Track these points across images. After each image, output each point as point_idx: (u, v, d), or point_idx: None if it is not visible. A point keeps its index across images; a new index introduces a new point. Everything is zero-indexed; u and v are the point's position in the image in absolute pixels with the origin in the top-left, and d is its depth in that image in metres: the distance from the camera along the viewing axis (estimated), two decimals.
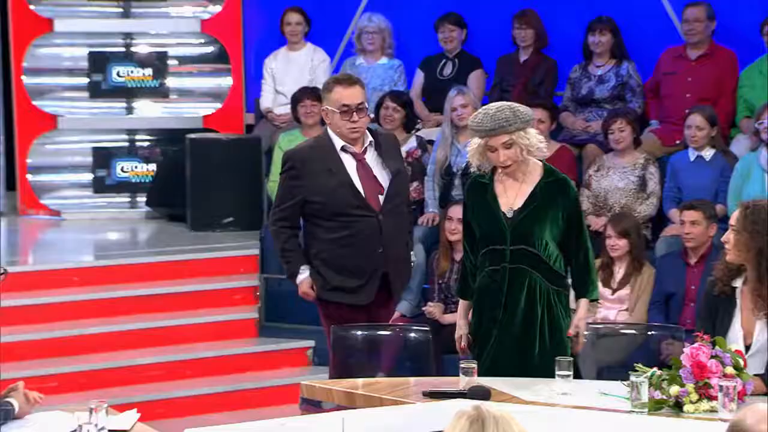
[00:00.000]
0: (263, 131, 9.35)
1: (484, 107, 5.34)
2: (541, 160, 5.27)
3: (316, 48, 9.50)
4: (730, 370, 4.46)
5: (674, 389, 4.46)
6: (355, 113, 5.84)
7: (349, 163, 5.93)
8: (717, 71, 8.42)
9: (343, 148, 5.93)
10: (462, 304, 5.48)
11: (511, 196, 5.21)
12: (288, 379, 7.64)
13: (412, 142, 8.55)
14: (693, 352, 4.46)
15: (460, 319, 5.48)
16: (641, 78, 8.62)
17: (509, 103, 5.33)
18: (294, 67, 9.42)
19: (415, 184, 8.41)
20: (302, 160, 5.90)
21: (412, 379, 5.29)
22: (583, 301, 5.31)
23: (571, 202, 5.24)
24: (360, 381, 5.19)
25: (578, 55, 8.82)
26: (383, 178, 5.97)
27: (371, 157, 5.98)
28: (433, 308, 7.66)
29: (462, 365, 4.90)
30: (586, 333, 5.36)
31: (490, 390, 4.77)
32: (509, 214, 5.20)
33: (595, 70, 8.70)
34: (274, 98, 9.44)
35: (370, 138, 5.99)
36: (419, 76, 9.26)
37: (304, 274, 6.01)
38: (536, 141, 5.16)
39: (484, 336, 5.28)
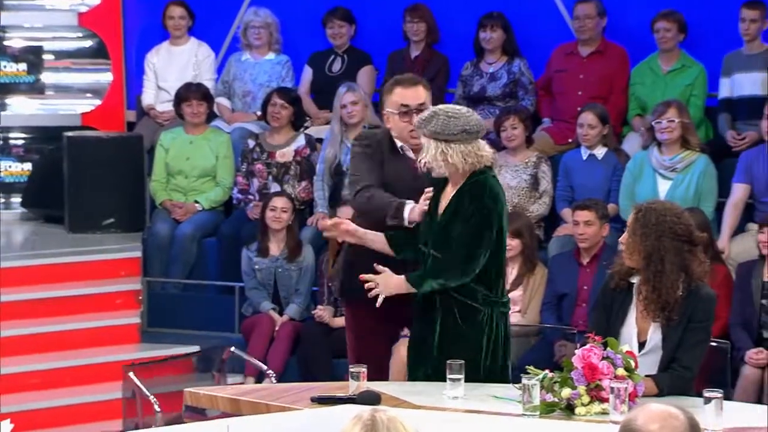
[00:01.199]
0: (145, 129, 9.24)
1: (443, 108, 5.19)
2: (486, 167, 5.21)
3: (200, 43, 9.41)
4: (621, 371, 4.52)
5: (566, 392, 4.50)
6: (416, 115, 5.39)
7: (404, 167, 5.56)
8: (608, 68, 8.54)
9: (402, 148, 5.58)
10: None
11: (444, 202, 5.20)
12: (172, 386, 7.56)
13: (300, 141, 8.53)
14: (584, 353, 4.51)
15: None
16: (533, 75, 8.71)
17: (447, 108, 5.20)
18: (177, 63, 9.32)
19: (303, 183, 8.40)
20: (378, 142, 5.59)
21: (300, 384, 5.26)
22: (401, 277, 5.21)
23: (474, 203, 5.16)
24: (246, 387, 5.14)
25: (470, 51, 8.87)
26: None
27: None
28: (323, 311, 7.65)
29: (352, 370, 4.89)
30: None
31: (380, 394, 4.77)
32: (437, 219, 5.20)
33: (486, 67, 8.76)
34: (157, 95, 9.34)
35: None
36: (307, 73, 9.23)
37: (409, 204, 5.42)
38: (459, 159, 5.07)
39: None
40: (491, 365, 5.13)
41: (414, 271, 5.21)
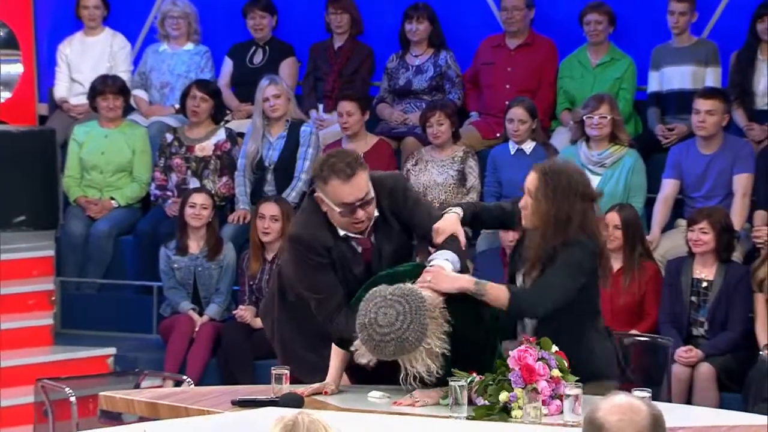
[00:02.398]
0: (58, 123, 9.10)
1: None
2: None
3: (115, 33, 9.31)
4: (556, 372, 4.54)
5: (503, 395, 4.51)
6: (359, 210, 4.86)
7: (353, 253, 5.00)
8: (536, 61, 8.58)
9: (346, 235, 4.96)
10: None
11: None
12: (87, 390, 7.47)
13: (220, 135, 8.46)
14: (520, 354, 4.51)
15: None
16: (460, 68, 8.73)
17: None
18: (91, 54, 9.21)
19: (224, 179, 8.34)
20: (321, 245, 4.93)
21: (221, 387, 5.21)
22: None
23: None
24: (165, 390, 5.09)
25: (395, 43, 8.87)
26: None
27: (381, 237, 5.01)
28: (244, 311, 7.60)
29: (274, 371, 4.86)
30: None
31: (302, 397, 4.75)
32: None
33: (412, 60, 8.76)
34: (70, 87, 9.22)
35: (376, 213, 4.97)
36: (228, 65, 9.17)
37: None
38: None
39: None
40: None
41: None
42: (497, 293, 4.75)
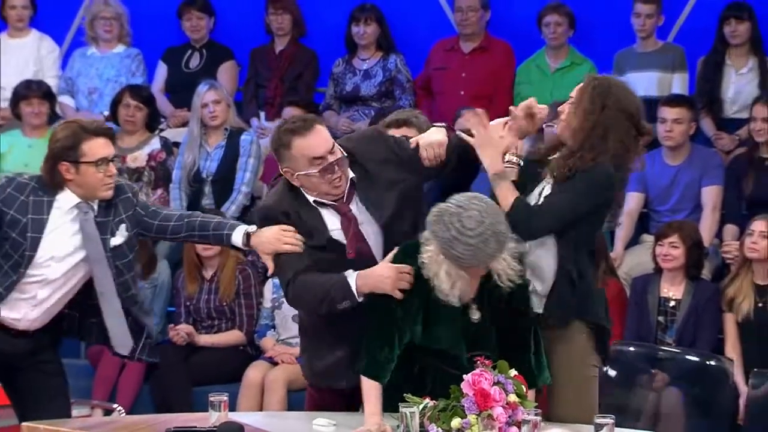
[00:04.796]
0: None
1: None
2: None
3: (42, 36, 9.23)
4: (513, 398, 4.49)
5: (455, 421, 4.46)
6: (335, 166, 4.77)
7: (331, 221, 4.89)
8: (492, 65, 8.57)
9: (316, 202, 4.89)
10: None
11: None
12: (8, 420, 7.35)
13: (155, 144, 8.37)
14: (474, 378, 4.46)
15: None
16: (411, 73, 8.70)
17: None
18: (16, 57, 9.12)
19: (158, 191, 8.25)
20: (284, 213, 4.89)
21: (155, 416, 5.13)
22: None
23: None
24: (94, 420, 5.01)
25: (341, 47, 8.83)
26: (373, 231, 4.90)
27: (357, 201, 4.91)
28: (180, 330, 7.45)
29: (211, 398, 4.79)
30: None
31: (242, 426, 4.68)
32: None
33: (360, 64, 8.72)
34: None
35: (351, 174, 4.89)
36: (162, 69, 9.11)
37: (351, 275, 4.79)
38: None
39: None
40: None
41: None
42: (507, 193, 4.78)
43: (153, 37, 9.28)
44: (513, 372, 4.60)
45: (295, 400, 6.95)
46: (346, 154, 4.83)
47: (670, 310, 6.99)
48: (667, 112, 7.57)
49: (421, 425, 4.51)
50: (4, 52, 9.13)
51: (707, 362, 6.81)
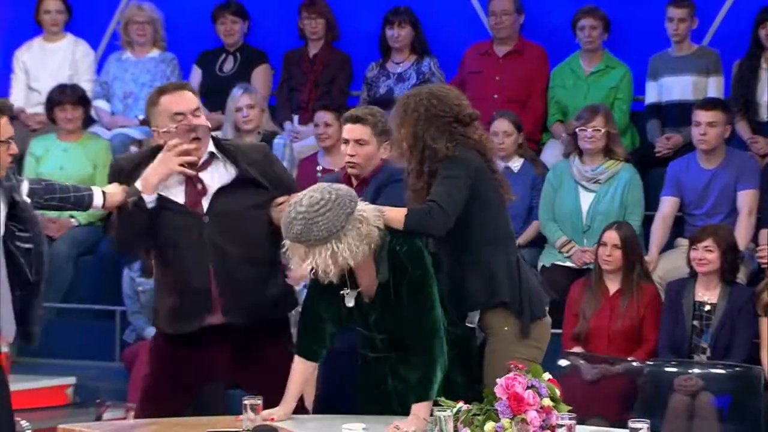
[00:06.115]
0: (14, 135, 9.04)
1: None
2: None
3: (77, 40, 9.27)
4: (547, 401, 4.50)
5: (489, 425, 4.46)
6: (190, 116, 5.21)
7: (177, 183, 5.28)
8: (526, 69, 8.55)
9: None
10: None
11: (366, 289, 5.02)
12: (46, 422, 7.41)
13: None
14: (508, 382, 4.47)
15: None
16: (445, 76, 8.70)
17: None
18: (52, 61, 9.17)
19: None
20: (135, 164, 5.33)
21: (190, 419, 5.16)
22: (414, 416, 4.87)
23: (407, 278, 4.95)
24: (128, 423, 5.03)
25: (374, 50, 8.84)
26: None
27: (213, 169, 5.28)
28: None
29: (245, 401, 4.81)
30: None
31: (277, 429, 4.71)
32: None
33: (394, 68, 8.74)
34: (27, 96, 9.17)
35: (212, 149, 5.28)
36: (196, 74, 9.14)
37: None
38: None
39: None
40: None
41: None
42: (394, 214, 4.80)
43: (187, 41, 9.32)
44: (547, 375, 4.61)
45: None
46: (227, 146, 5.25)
47: (705, 315, 6.97)
48: (702, 116, 7.55)
49: (455, 428, 4.53)
50: (40, 56, 9.19)
51: (740, 368, 6.80)
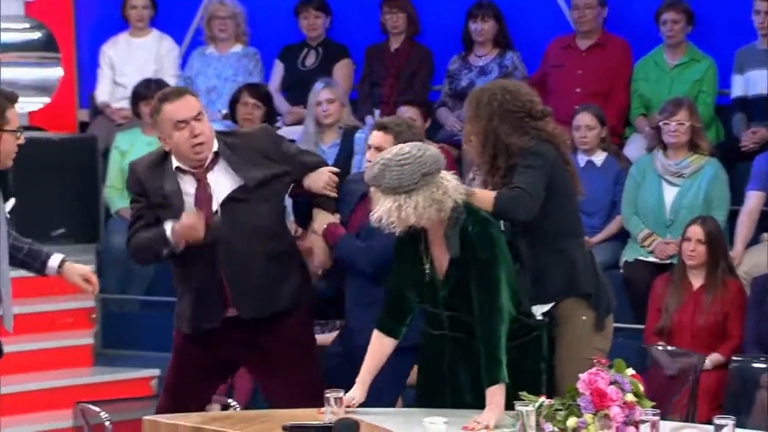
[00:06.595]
0: (100, 130, 9.16)
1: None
2: None
3: (162, 35, 9.36)
4: (630, 397, 4.47)
5: (572, 421, 4.45)
6: (194, 122, 5.37)
7: (188, 186, 5.47)
8: (609, 63, 8.50)
9: (178, 169, 5.46)
10: None
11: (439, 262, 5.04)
12: (129, 414, 7.49)
13: None
14: (590, 378, 4.45)
15: None
16: (527, 70, 8.67)
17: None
18: (137, 56, 9.27)
19: None
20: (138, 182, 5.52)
21: (270, 411, 5.19)
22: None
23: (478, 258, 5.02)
24: (211, 414, 5.07)
25: (456, 44, 8.83)
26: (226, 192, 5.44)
27: (219, 171, 5.47)
28: None
29: (327, 394, 4.83)
30: None
31: (358, 422, 4.70)
32: None
33: (476, 61, 8.72)
34: (112, 91, 9.27)
35: (216, 147, 5.47)
36: (278, 68, 9.18)
37: (169, 224, 5.41)
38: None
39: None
40: None
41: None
42: (483, 195, 4.92)
43: (270, 36, 9.38)
44: (630, 371, 4.58)
45: (407, 396, 6.98)
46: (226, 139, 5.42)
47: None
48: None
49: (537, 423, 4.52)
50: (126, 51, 9.29)
51: None
